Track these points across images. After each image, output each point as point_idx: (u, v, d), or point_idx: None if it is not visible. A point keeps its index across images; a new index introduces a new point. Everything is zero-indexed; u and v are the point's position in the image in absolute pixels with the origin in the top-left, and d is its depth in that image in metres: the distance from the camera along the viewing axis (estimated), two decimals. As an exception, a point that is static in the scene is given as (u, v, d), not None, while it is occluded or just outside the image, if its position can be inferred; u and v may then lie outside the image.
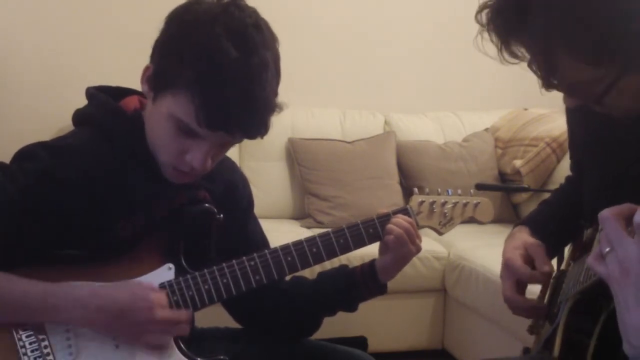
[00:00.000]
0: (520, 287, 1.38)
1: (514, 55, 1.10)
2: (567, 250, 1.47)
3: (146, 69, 1.28)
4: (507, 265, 1.38)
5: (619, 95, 1.07)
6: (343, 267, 1.51)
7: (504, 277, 1.39)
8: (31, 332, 1.23)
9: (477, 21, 1.10)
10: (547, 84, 1.10)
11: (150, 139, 1.29)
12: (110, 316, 1.23)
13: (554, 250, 1.47)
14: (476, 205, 1.50)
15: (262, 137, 1.28)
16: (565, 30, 1.01)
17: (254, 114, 1.22)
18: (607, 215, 0.88)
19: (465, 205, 1.50)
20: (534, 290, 1.43)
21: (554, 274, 1.43)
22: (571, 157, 1.52)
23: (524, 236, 1.42)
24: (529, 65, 1.11)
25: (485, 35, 1.10)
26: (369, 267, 1.47)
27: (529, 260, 1.37)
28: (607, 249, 0.86)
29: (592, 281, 1.11)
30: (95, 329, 1.25)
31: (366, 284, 1.47)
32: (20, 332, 1.23)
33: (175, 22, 1.25)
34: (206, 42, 1.19)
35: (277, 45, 1.27)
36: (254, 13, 1.25)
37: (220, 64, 1.18)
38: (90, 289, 1.24)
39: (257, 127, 1.25)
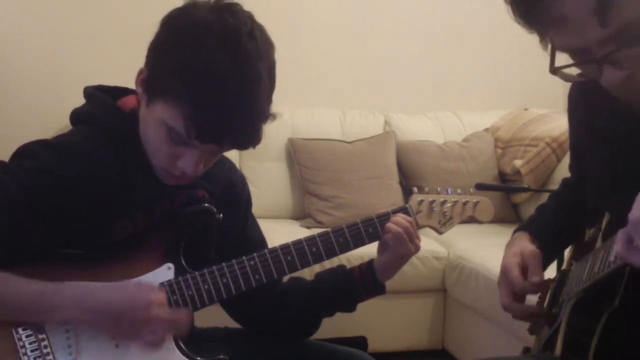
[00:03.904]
0: (519, 294, 1.39)
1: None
2: (567, 251, 1.47)
3: (140, 72, 1.27)
4: (503, 274, 1.39)
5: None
6: (341, 268, 1.51)
7: (501, 284, 1.40)
8: (31, 332, 1.23)
9: None
10: (585, 60, 1.00)
11: (143, 140, 1.29)
12: (106, 316, 1.22)
13: (555, 252, 1.46)
14: (476, 204, 1.50)
15: (253, 147, 1.28)
16: None
17: (245, 126, 1.22)
18: None
19: (464, 204, 1.49)
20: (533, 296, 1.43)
21: (555, 276, 1.43)
22: (571, 158, 1.51)
23: (523, 243, 1.42)
24: (552, 67, 1.07)
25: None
26: (367, 267, 1.47)
27: (525, 268, 1.37)
28: None
29: (595, 279, 1.11)
30: (92, 329, 1.24)
31: (365, 284, 1.47)
32: (20, 332, 1.22)
33: (170, 27, 1.24)
34: (198, 53, 1.18)
35: (273, 52, 1.26)
36: (249, 19, 1.23)
37: (212, 77, 1.17)
38: (86, 289, 1.24)
39: (249, 138, 1.25)
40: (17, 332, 1.23)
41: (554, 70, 1.04)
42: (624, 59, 0.98)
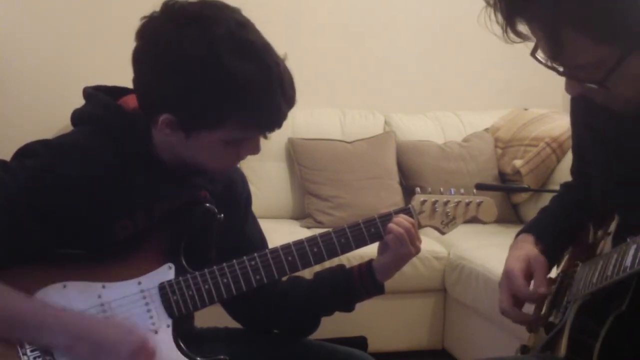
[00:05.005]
0: (520, 301, 1.38)
1: (519, 35, 1.10)
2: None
3: (164, 120, 1.24)
4: (507, 277, 1.38)
5: (621, 79, 1.07)
6: (340, 267, 1.51)
7: (502, 287, 1.39)
8: (37, 352, 1.22)
9: None
10: (551, 66, 1.09)
11: (188, 159, 1.30)
12: (90, 347, 1.20)
13: (558, 253, 1.46)
14: (479, 204, 1.50)
15: None
16: (573, 5, 1.01)
17: (294, 90, 1.32)
18: None
19: (467, 204, 1.49)
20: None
21: (556, 276, 1.43)
22: (574, 160, 1.51)
23: (528, 247, 1.41)
24: (533, 52, 1.11)
25: (492, 16, 1.10)
26: (367, 267, 1.47)
27: (530, 274, 1.36)
28: None
29: (609, 282, 1.11)
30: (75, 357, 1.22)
31: (364, 283, 1.46)
32: (27, 349, 1.22)
33: (187, 66, 1.20)
34: (240, 79, 1.20)
35: (240, 12, 1.26)
36: (238, 15, 1.24)
37: (272, 87, 1.23)
38: (79, 317, 1.23)
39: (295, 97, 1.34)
40: (22, 348, 1.22)
41: (532, 54, 1.13)
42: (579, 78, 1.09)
